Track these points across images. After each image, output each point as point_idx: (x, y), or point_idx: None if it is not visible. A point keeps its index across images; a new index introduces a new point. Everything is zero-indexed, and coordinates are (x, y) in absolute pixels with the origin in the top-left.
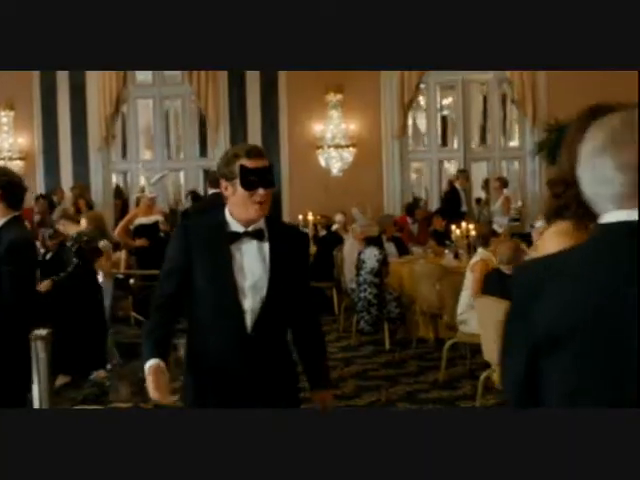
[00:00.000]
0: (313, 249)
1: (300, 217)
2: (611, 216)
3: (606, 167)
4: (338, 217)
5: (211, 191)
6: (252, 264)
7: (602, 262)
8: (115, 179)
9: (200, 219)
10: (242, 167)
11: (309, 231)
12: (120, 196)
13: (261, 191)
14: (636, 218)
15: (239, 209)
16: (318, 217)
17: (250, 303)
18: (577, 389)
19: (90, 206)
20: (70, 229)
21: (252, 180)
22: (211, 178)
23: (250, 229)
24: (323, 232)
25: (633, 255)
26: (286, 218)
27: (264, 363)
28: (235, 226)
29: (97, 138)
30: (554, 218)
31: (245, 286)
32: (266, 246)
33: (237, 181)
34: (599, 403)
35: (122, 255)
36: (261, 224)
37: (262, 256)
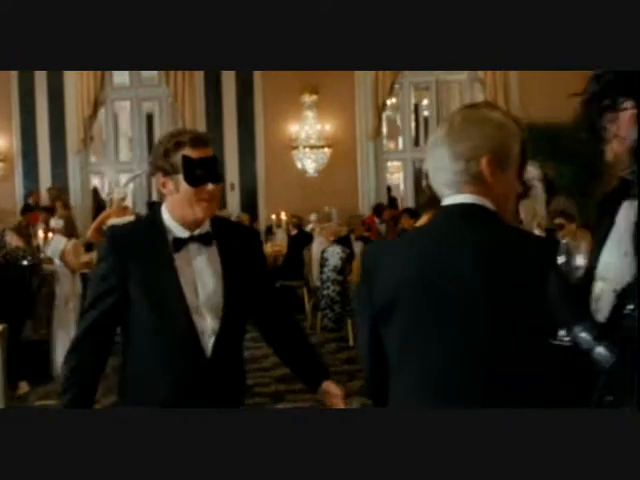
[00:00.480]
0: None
1: (273, 217)
2: (449, 199)
3: (444, 157)
4: (312, 217)
5: None
6: (203, 275)
7: (433, 240)
8: (98, 181)
9: (130, 226)
10: (186, 158)
11: (283, 231)
12: (96, 198)
13: (210, 187)
14: (471, 201)
15: (183, 209)
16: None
17: (208, 323)
18: (404, 355)
19: (67, 208)
20: (12, 241)
21: (199, 174)
22: None
23: (196, 233)
24: (294, 231)
25: (464, 234)
26: (261, 219)
27: (223, 387)
28: (179, 231)
29: (76, 140)
30: (426, 209)
31: (199, 304)
32: (215, 252)
33: (180, 176)
34: (424, 372)
35: (94, 255)
36: (207, 226)
37: (213, 264)
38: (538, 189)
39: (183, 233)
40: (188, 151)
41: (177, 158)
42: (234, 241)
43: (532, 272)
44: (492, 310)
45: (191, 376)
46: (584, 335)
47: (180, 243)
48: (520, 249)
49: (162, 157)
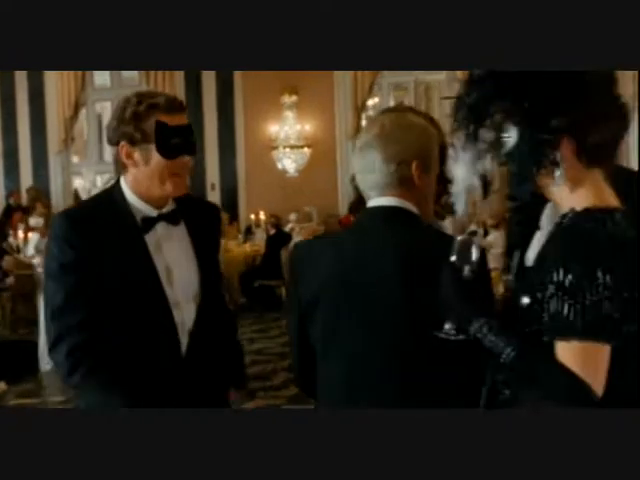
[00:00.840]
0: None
1: (252, 216)
2: (374, 202)
3: (374, 159)
4: (292, 216)
5: None
6: (178, 260)
7: (357, 241)
8: (80, 182)
9: (86, 207)
10: (160, 125)
11: (262, 231)
12: (77, 200)
13: (185, 158)
14: (393, 204)
15: (151, 185)
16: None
17: (185, 315)
18: (329, 350)
19: (47, 208)
20: None
21: (175, 144)
22: None
23: (164, 211)
24: (273, 231)
25: (386, 236)
26: (242, 218)
27: (201, 389)
28: (146, 209)
29: (57, 141)
30: (354, 210)
31: (177, 292)
32: (184, 232)
33: (152, 146)
34: (348, 366)
35: None
36: (171, 203)
37: (185, 247)
38: (476, 187)
39: (150, 212)
40: (163, 116)
41: (149, 124)
42: (200, 219)
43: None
44: (411, 309)
45: (166, 377)
46: (484, 330)
47: (149, 223)
48: (436, 250)
49: (130, 122)
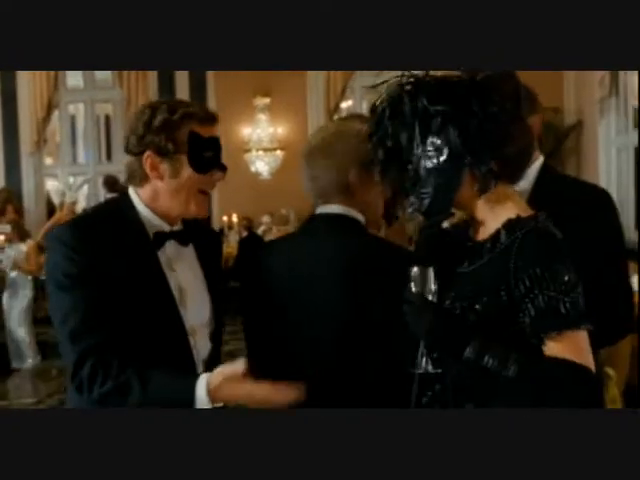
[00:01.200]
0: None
1: (225, 218)
2: (319, 209)
3: (316, 167)
4: (265, 219)
5: (109, 196)
6: (189, 279)
7: (297, 247)
8: (55, 184)
9: (92, 217)
10: (194, 136)
11: (236, 233)
12: (50, 202)
13: (217, 174)
14: (336, 212)
15: (174, 201)
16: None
17: (200, 343)
18: (276, 350)
19: (17, 212)
20: None
21: (208, 157)
22: (110, 180)
23: (176, 228)
24: (245, 233)
25: (325, 243)
26: (215, 221)
27: None
28: (159, 224)
29: (29, 142)
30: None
31: (191, 315)
32: (192, 254)
33: (184, 157)
34: (295, 365)
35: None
36: (179, 223)
37: (194, 268)
38: None
39: (163, 226)
40: (197, 127)
41: (182, 134)
42: (208, 245)
43: (387, 283)
44: (348, 315)
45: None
46: (481, 353)
47: (161, 239)
48: (379, 260)
49: (160, 131)
